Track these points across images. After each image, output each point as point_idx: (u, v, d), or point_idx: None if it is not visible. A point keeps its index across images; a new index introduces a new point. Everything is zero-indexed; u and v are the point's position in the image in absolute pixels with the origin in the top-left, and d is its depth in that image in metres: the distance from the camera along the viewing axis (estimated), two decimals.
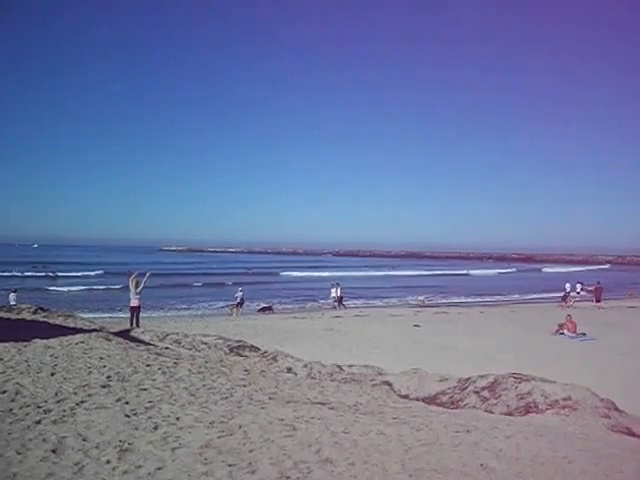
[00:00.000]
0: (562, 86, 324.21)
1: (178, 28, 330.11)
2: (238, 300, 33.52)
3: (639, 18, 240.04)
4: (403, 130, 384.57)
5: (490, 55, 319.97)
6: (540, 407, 8.98)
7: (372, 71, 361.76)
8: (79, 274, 65.72)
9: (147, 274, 21.64)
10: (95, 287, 49.69)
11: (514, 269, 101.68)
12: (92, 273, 67.48)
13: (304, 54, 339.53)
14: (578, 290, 41.71)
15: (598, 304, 36.88)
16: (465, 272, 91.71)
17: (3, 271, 61.46)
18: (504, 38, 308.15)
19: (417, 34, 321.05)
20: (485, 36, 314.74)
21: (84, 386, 7.47)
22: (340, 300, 36.06)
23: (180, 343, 14.94)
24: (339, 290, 36.26)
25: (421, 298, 43.72)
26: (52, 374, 8.01)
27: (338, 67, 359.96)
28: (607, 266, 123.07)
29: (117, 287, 46.03)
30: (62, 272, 66.92)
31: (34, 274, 65.06)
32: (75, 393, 7.08)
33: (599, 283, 40.07)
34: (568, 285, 41.18)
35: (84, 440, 5.40)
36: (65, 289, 47.45)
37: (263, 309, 32.49)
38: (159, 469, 4.83)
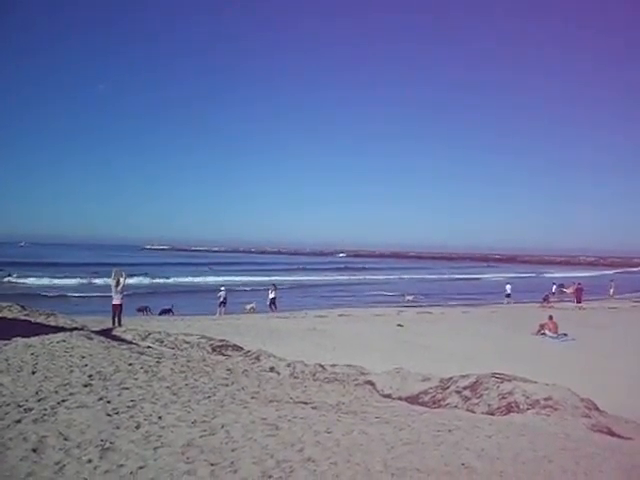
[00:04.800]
0: (563, 86, 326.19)
1: (169, 25, 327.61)
2: (221, 299, 33.40)
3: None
4: (398, 129, 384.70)
5: (491, 55, 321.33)
6: (521, 407, 9.06)
7: (375, 71, 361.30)
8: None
9: (124, 275, 21.60)
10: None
11: (533, 274, 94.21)
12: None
13: (304, 53, 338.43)
14: (553, 290, 42.23)
15: (579, 305, 37.27)
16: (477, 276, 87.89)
17: None
18: (506, 38, 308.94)
19: (419, 33, 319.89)
20: (487, 36, 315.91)
21: (65, 385, 7.40)
22: (273, 302, 35.52)
23: (162, 342, 14.87)
24: (274, 292, 35.83)
25: (409, 298, 43.64)
26: (33, 373, 7.92)
27: (341, 67, 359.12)
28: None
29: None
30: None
31: None
32: (56, 392, 7.01)
33: (579, 284, 40.52)
34: (508, 286, 42.70)
35: (65, 439, 5.36)
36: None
37: (163, 311, 32.26)
38: (141, 468, 4.81)
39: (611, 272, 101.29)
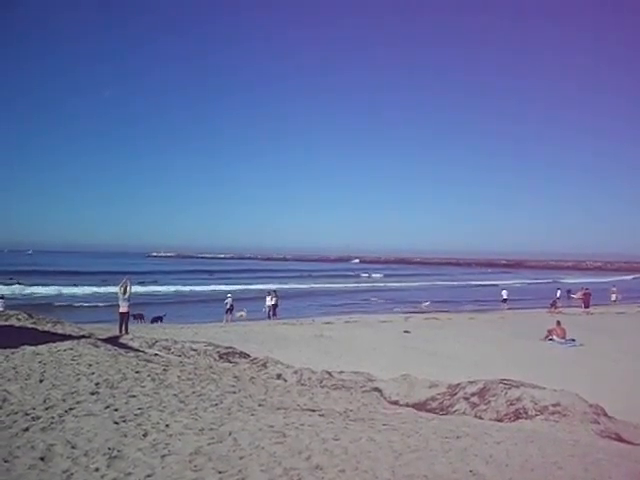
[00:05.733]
0: (562, 89, 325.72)
1: (172, 31, 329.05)
2: (227, 307, 33.38)
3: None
4: (396, 132, 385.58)
5: (489, 58, 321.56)
6: (530, 413, 9.02)
7: (378, 74, 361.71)
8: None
9: (129, 283, 21.65)
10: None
11: (549, 279, 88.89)
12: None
13: (307, 56, 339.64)
14: (558, 296, 41.87)
15: (587, 310, 37.08)
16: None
17: None
18: (501, 41, 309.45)
19: (418, 37, 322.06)
20: (483, 39, 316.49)
21: (73, 393, 7.42)
22: (274, 308, 35.16)
23: (169, 350, 14.88)
24: (274, 299, 35.47)
25: (426, 304, 43.38)
26: (40, 381, 7.95)
27: (342, 70, 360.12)
28: None
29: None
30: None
31: None
32: (64, 400, 7.03)
33: (587, 289, 40.32)
34: (505, 292, 42.95)
35: (73, 447, 5.36)
36: None
37: (154, 319, 32.15)
38: (149, 476, 4.80)
39: (629, 277, 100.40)
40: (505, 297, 42.18)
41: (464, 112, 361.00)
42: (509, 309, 40.87)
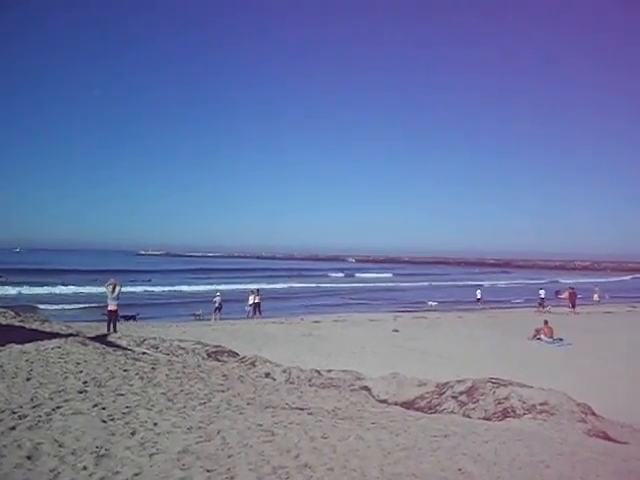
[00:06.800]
0: (561, 89, 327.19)
1: (163, 30, 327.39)
2: (216, 305, 33.29)
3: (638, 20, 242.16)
4: (396, 133, 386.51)
5: (487, 57, 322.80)
6: (518, 412, 9.07)
7: (375, 73, 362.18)
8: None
9: (117, 281, 21.45)
10: None
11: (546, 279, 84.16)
12: None
13: (303, 55, 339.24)
14: (542, 296, 41.84)
15: (573, 309, 37.27)
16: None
17: None
18: (507, 42, 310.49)
19: (416, 37, 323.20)
20: (482, 39, 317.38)
21: (60, 391, 7.35)
22: (257, 307, 35.15)
23: (158, 348, 14.81)
24: (257, 297, 35.45)
25: (433, 304, 43.69)
26: (27, 379, 7.87)
27: (343, 70, 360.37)
28: None
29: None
30: None
31: None
32: (51, 398, 6.96)
33: (572, 289, 40.47)
34: (479, 292, 43.86)
35: (60, 446, 5.31)
36: None
37: (126, 317, 31.91)
38: (137, 475, 4.77)
39: (628, 277, 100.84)
40: (479, 297, 42.80)
41: (458, 112, 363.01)
42: (498, 308, 41.09)
